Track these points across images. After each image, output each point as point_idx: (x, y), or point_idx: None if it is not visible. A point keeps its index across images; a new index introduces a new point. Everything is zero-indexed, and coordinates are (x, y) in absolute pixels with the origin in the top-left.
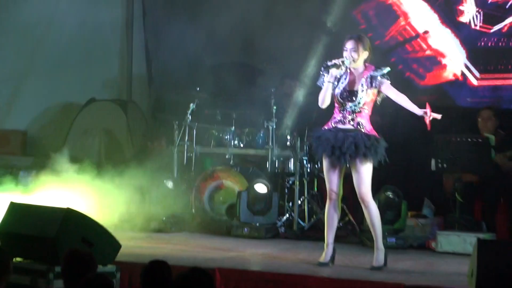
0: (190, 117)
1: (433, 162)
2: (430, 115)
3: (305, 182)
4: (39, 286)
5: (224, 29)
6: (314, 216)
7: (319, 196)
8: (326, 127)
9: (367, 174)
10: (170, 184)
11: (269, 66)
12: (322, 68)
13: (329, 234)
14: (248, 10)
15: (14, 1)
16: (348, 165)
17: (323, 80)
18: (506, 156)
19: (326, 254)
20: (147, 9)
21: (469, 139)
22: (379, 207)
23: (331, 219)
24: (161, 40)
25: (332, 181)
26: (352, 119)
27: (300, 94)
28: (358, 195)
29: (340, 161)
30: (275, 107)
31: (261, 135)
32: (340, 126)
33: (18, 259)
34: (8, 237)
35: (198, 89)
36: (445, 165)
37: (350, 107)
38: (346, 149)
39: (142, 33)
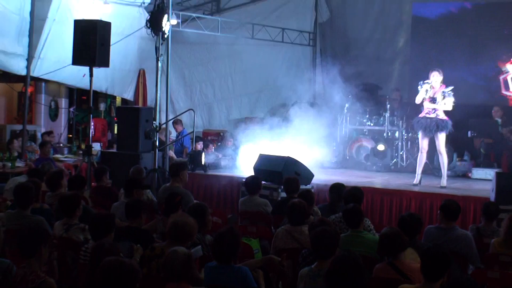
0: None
1: (469, 132)
2: None
3: (404, 143)
4: (273, 195)
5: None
6: (409, 160)
7: (410, 150)
8: (421, 116)
9: (443, 139)
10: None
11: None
12: (422, 83)
13: (419, 169)
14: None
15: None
16: (433, 135)
17: (421, 88)
18: (507, 130)
19: (417, 179)
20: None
21: (488, 121)
22: None
23: (421, 161)
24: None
25: (424, 143)
26: (434, 112)
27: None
28: (438, 150)
29: (431, 133)
30: (388, 105)
31: (381, 119)
32: (428, 116)
33: (263, 182)
34: (258, 171)
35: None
36: (475, 134)
37: (433, 106)
38: (436, 127)
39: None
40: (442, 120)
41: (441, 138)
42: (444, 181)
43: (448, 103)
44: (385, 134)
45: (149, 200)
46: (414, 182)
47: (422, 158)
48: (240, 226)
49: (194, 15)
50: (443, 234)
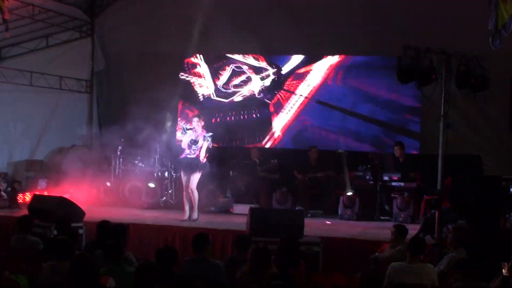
0: None
1: (231, 172)
2: None
3: (173, 182)
4: (47, 233)
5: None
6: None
7: (179, 188)
8: (181, 157)
9: (197, 178)
10: None
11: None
12: (184, 128)
13: (186, 206)
14: None
15: None
16: (191, 173)
17: (184, 134)
18: (262, 169)
19: (186, 215)
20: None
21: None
22: None
23: (187, 199)
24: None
25: (186, 182)
26: (194, 153)
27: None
28: (189, 189)
29: (189, 172)
30: (158, 148)
31: (151, 160)
32: (189, 156)
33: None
34: (33, 210)
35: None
36: (236, 173)
37: (194, 148)
38: (193, 166)
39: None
40: (199, 161)
41: (196, 176)
42: (195, 215)
43: (204, 148)
44: (155, 174)
45: None
46: (184, 218)
47: (187, 195)
48: (10, 263)
49: None
50: (195, 265)
